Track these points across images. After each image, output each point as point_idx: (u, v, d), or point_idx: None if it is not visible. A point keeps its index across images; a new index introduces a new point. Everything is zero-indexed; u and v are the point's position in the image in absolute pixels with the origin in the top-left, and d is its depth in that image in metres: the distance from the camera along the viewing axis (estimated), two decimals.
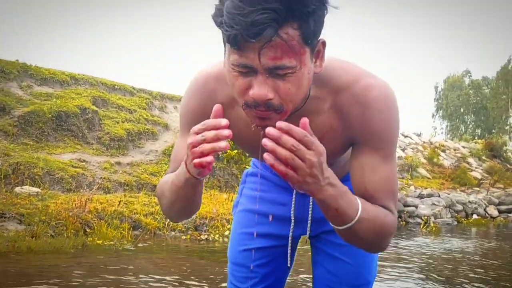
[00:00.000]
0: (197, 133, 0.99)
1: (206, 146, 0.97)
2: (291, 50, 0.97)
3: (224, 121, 0.97)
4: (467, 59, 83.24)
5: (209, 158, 0.97)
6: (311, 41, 1.00)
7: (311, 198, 1.48)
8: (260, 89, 0.99)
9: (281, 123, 0.92)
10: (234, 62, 1.00)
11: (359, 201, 1.09)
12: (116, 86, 12.02)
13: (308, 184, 0.97)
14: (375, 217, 1.11)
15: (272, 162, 0.93)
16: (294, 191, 1.50)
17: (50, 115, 9.28)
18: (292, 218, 1.51)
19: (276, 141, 0.92)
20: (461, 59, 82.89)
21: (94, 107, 10.26)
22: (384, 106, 1.15)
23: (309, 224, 1.50)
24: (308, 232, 1.51)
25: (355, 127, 1.17)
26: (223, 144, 0.96)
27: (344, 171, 1.42)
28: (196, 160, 0.98)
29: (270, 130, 0.92)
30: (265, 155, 0.93)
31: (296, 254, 1.58)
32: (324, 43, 1.05)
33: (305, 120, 0.95)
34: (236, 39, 0.95)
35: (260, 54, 0.96)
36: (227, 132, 0.96)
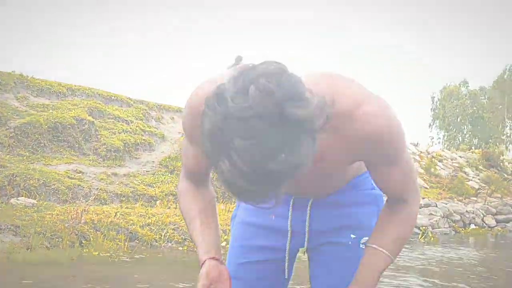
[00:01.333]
0: None
1: None
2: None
3: None
4: (467, 60, 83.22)
5: None
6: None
7: (308, 211, 1.47)
8: None
9: None
10: None
11: (383, 251, 1.31)
12: (112, 97, 12.02)
13: None
14: (401, 235, 1.34)
15: None
16: (291, 203, 1.49)
17: (46, 126, 9.26)
18: (289, 230, 1.49)
19: None
20: (461, 60, 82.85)
21: (90, 118, 10.24)
22: (387, 133, 1.17)
23: (306, 236, 1.48)
24: (305, 245, 1.49)
25: (361, 152, 1.21)
26: None
27: (346, 177, 1.43)
28: None
29: None
30: None
31: (294, 266, 1.56)
32: None
33: None
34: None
35: None
36: None
